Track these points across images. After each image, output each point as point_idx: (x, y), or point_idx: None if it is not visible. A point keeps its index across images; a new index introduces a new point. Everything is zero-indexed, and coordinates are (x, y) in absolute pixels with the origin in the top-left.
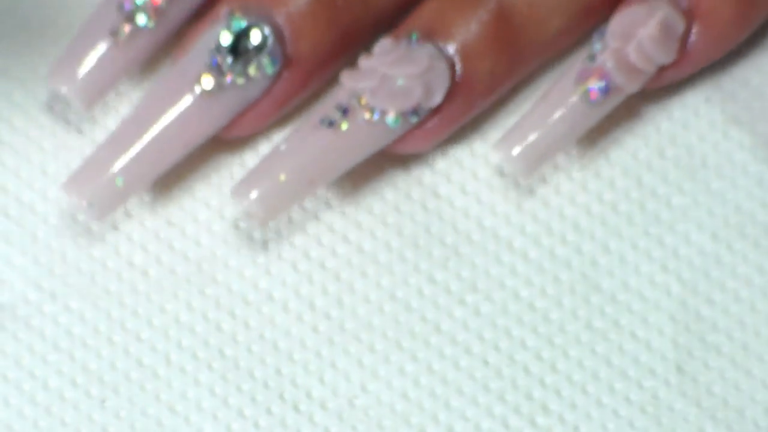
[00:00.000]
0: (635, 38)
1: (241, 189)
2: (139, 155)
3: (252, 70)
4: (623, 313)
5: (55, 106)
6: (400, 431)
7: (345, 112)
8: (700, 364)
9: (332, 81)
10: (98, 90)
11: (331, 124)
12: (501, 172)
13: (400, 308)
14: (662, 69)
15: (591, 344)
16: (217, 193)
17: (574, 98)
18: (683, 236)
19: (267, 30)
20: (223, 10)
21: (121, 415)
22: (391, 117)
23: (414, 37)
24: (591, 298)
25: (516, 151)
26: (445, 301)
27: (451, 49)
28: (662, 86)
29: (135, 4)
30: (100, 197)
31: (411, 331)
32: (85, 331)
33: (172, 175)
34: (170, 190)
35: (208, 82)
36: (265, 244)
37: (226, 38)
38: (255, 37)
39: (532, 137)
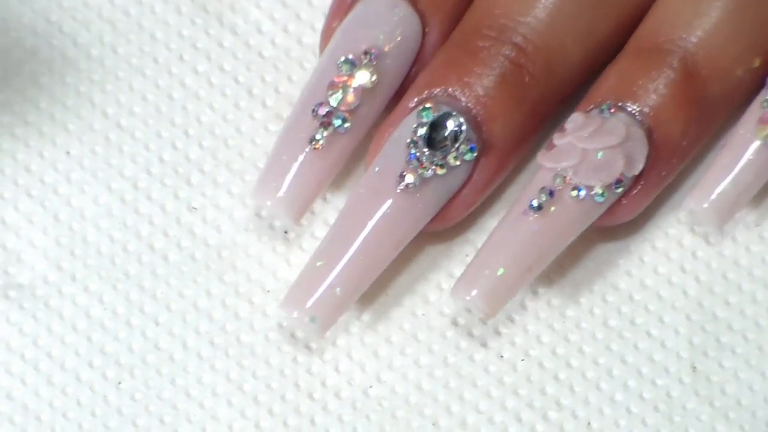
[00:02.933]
0: None
1: (461, 287)
2: (353, 263)
3: (452, 159)
4: (640, 312)
5: (263, 214)
6: (413, 421)
7: (551, 194)
8: (715, 363)
9: (525, 159)
10: (304, 201)
11: (540, 208)
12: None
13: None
14: None
15: (606, 342)
16: (240, 182)
17: (757, 144)
18: (702, 238)
19: (461, 117)
20: (411, 103)
21: (137, 398)
22: (597, 192)
23: (606, 107)
24: (608, 297)
25: (707, 203)
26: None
27: (643, 114)
28: None
29: (330, 106)
30: (323, 310)
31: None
32: (103, 313)
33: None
34: (191, 178)
35: (410, 177)
36: (285, 234)
37: (421, 131)
38: (450, 126)
39: (720, 188)
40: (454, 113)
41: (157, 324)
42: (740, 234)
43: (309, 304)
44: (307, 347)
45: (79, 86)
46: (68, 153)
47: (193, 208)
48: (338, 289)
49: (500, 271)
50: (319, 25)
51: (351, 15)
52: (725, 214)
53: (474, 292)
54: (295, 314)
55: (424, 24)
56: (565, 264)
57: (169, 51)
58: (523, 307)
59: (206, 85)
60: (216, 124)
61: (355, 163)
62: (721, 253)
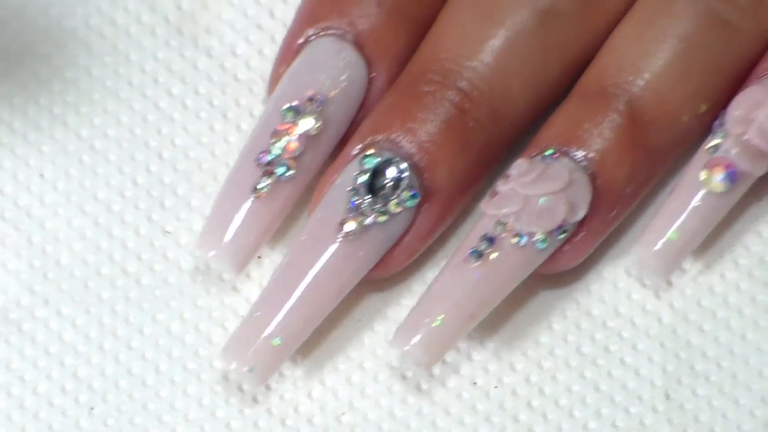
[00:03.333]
0: (756, 120)
1: (400, 336)
2: (293, 312)
3: (393, 206)
4: (613, 339)
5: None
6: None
7: (492, 241)
8: (688, 391)
9: (469, 206)
10: (247, 251)
11: (480, 255)
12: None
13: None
14: None
15: (580, 369)
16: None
17: (701, 191)
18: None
19: (402, 164)
20: (354, 150)
21: (109, 423)
22: (539, 238)
23: (549, 152)
24: (582, 324)
25: (652, 252)
26: None
27: (588, 158)
28: None
29: (273, 155)
30: (261, 361)
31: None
32: (76, 337)
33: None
34: (165, 201)
35: (350, 225)
36: (259, 260)
37: (362, 178)
38: (391, 173)
39: (666, 236)
40: (395, 159)
41: (130, 348)
42: (714, 261)
43: (248, 356)
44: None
45: (53, 108)
46: (42, 175)
47: (167, 231)
48: (277, 339)
49: (439, 320)
50: None
51: (297, 61)
52: (672, 262)
53: (413, 341)
54: (233, 365)
55: (370, 69)
56: (537, 290)
57: (143, 73)
58: (495, 333)
59: (181, 108)
60: (190, 147)
61: (301, 210)
62: (695, 280)
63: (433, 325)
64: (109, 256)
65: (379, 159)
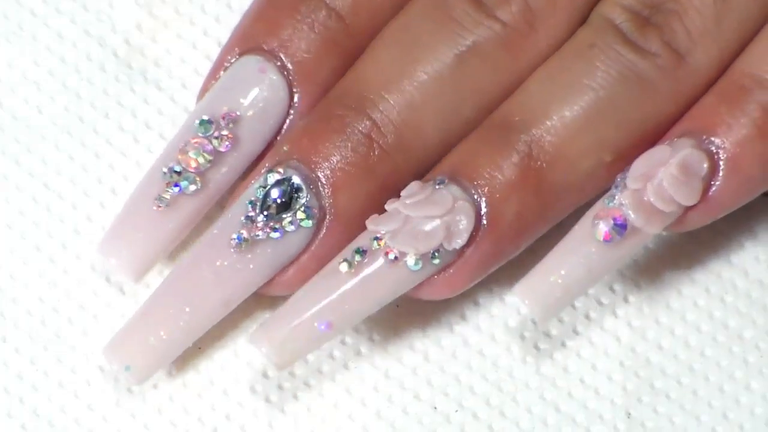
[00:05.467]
0: (656, 179)
1: (256, 336)
2: (176, 315)
3: (287, 224)
4: (572, 360)
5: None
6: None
7: (363, 253)
8: (649, 409)
9: None
10: (146, 260)
11: (350, 266)
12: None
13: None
14: (686, 211)
15: (539, 390)
16: None
17: (592, 241)
18: (632, 283)
19: (301, 183)
20: (264, 168)
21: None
22: (411, 259)
23: (440, 179)
24: (540, 345)
25: (533, 295)
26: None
27: (477, 189)
28: (687, 230)
29: (180, 167)
30: (139, 361)
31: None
32: None
33: None
34: None
35: (242, 235)
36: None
37: (260, 193)
38: (289, 191)
39: (549, 280)
40: (293, 178)
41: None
42: (669, 276)
43: (126, 355)
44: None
45: (5, 148)
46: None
47: None
48: (152, 338)
49: (295, 323)
50: None
51: (221, 77)
52: (551, 309)
53: (269, 341)
54: (113, 364)
55: (291, 91)
56: (493, 311)
57: (94, 109)
58: (455, 357)
59: (132, 143)
60: None
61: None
62: (651, 298)
63: (287, 329)
64: (66, 293)
65: (280, 177)
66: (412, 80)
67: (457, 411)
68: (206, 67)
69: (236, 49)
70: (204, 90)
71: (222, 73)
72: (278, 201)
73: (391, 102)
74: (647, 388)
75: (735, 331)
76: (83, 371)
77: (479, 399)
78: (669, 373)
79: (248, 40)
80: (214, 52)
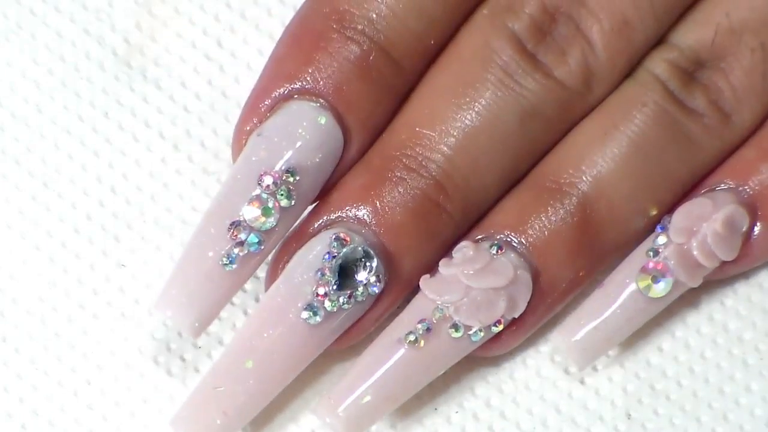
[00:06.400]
0: (699, 234)
1: (324, 406)
2: (245, 387)
3: (359, 296)
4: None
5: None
6: None
7: (428, 329)
8: (649, 410)
9: None
10: (207, 316)
11: (415, 341)
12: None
13: None
14: (724, 264)
15: (540, 392)
16: (168, 236)
17: (634, 292)
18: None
19: (372, 253)
20: (321, 223)
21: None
22: (474, 331)
23: (497, 243)
24: (540, 347)
25: (572, 341)
26: None
27: (531, 252)
28: (721, 279)
29: (247, 226)
30: None
31: None
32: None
33: None
34: (119, 235)
35: (315, 310)
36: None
37: (331, 264)
38: (362, 262)
39: (588, 328)
40: (366, 249)
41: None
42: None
43: (194, 428)
44: None
45: (5, 147)
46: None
47: (122, 265)
48: (218, 420)
49: (366, 399)
50: (245, 77)
51: (272, 122)
52: (589, 355)
53: (338, 412)
54: None
55: (347, 139)
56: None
57: (93, 108)
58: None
59: (132, 141)
60: (142, 180)
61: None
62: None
63: (358, 402)
64: (66, 292)
65: (349, 246)
66: (477, 143)
67: (457, 412)
68: (206, 67)
69: (278, 89)
70: (240, 133)
71: (269, 114)
72: (352, 272)
73: (454, 162)
74: (648, 389)
75: (735, 333)
76: (83, 371)
77: (480, 400)
78: (669, 375)
79: (291, 79)
80: (214, 51)
